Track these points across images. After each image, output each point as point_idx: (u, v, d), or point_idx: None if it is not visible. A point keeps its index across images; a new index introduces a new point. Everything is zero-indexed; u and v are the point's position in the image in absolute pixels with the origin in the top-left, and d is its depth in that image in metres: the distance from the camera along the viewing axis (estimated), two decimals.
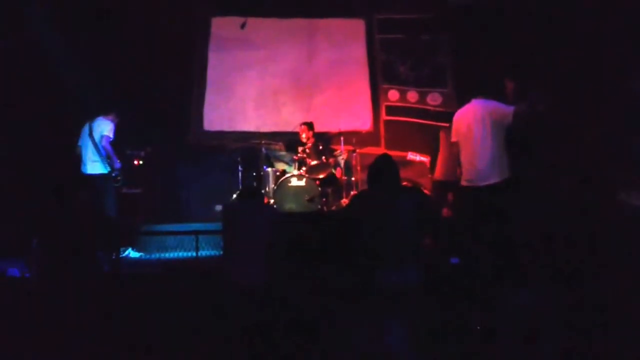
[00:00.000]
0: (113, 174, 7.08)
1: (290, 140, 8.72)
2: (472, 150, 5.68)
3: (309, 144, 8.24)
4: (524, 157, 5.75)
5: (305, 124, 8.68)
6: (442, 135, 7.59)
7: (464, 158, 5.81)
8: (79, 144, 7.25)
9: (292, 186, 7.82)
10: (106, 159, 7.04)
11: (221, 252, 5.83)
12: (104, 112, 7.29)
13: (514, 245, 4.86)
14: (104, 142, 7.04)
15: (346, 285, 4.05)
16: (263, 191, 8.05)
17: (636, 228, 5.49)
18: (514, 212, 5.21)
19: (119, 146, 7.22)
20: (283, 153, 8.54)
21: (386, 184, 4.15)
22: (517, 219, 5.16)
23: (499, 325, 4.07)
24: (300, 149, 8.27)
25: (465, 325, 4.16)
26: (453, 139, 6.00)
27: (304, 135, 8.60)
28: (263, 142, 8.67)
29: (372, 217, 4.00)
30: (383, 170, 4.19)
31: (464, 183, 5.81)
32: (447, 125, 9.53)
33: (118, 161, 7.13)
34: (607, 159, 6.77)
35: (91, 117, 7.26)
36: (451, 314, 4.21)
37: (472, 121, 5.71)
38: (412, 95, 9.99)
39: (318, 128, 8.91)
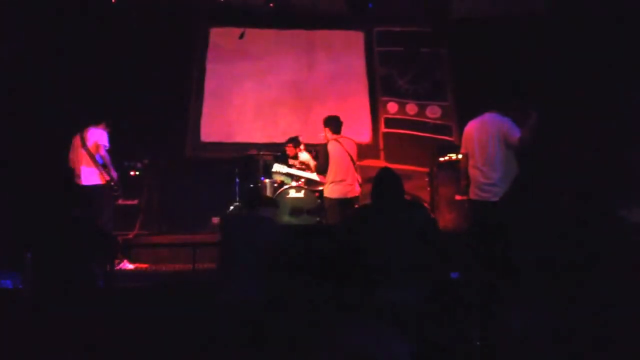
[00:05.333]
0: (112, 183, 7.00)
1: (278, 158, 8.65)
2: (483, 165, 5.61)
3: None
4: (524, 173, 5.70)
5: (290, 141, 8.51)
6: (342, 146, 7.00)
7: (473, 172, 5.73)
8: (70, 156, 7.14)
9: (290, 198, 7.75)
10: (103, 168, 6.94)
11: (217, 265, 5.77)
12: (94, 122, 7.16)
13: (515, 262, 4.80)
14: (101, 151, 6.93)
15: (346, 301, 4.00)
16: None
17: (637, 245, 5.45)
18: (516, 229, 5.16)
19: (115, 157, 7.14)
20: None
21: (390, 198, 4.10)
22: (519, 235, 5.11)
23: (499, 342, 4.01)
24: (297, 161, 8.20)
25: (465, 341, 4.09)
26: (462, 151, 5.94)
27: (290, 153, 8.52)
28: (261, 153, 8.62)
29: (374, 232, 3.95)
30: (386, 184, 4.13)
31: (473, 197, 5.75)
32: (447, 138, 9.67)
33: (114, 170, 7.05)
34: (607, 174, 6.75)
35: (80, 128, 7.14)
36: (451, 329, 4.14)
37: (485, 135, 5.61)
38: (411, 108, 9.98)
39: (316, 140, 8.88)
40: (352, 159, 6.91)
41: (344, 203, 6.88)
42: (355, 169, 6.99)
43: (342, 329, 3.52)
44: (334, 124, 7.02)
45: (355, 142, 7.16)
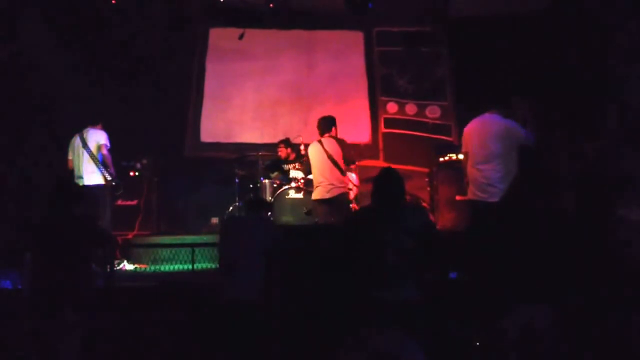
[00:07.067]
0: (114, 183, 7.00)
1: (272, 163, 8.67)
2: (482, 165, 5.58)
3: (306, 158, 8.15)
4: (524, 173, 5.69)
5: (281, 142, 8.61)
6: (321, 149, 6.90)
7: (472, 172, 5.70)
8: (69, 157, 7.12)
9: (289, 198, 7.75)
10: (105, 168, 6.95)
11: (217, 265, 5.77)
12: (91, 122, 7.17)
13: (515, 262, 4.80)
14: (104, 151, 6.94)
15: (344, 301, 4.00)
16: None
17: (637, 243, 5.44)
18: (516, 228, 5.16)
19: (114, 157, 7.13)
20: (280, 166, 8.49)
21: (390, 199, 4.08)
22: (518, 235, 5.11)
23: (498, 342, 4.01)
24: (297, 164, 8.19)
25: (464, 341, 4.09)
26: (463, 150, 5.92)
27: (282, 154, 8.58)
28: (260, 153, 8.61)
29: (374, 233, 3.94)
30: (388, 185, 4.12)
31: (472, 197, 5.72)
32: (447, 138, 9.67)
33: (114, 169, 7.05)
34: (606, 173, 6.74)
35: (78, 128, 7.14)
36: (449, 329, 4.14)
37: (485, 136, 5.58)
38: (411, 108, 9.98)
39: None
40: (331, 159, 6.74)
41: (325, 203, 6.78)
42: (338, 168, 6.75)
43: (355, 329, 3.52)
44: (320, 124, 6.96)
45: (338, 140, 6.89)
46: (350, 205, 7.22)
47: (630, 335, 3.91)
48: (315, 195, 6.85)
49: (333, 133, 6.90)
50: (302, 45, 10.19)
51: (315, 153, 6.86)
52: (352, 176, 7.44)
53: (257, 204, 5.17)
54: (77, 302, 4.19)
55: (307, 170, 7.14)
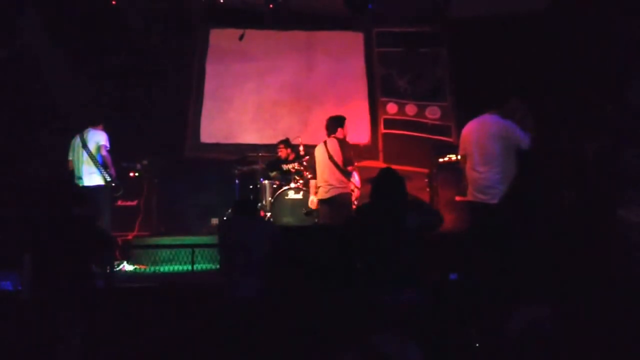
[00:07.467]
0: (113, 184, 6.99)
1: (271, 163, 8.66)
2: (482, 167, 5.56)
3: (307, 158, 8.15)
4: (524, 174, 5.67)
5: (281, 142, 8.63)
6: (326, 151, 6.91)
7: (472, 173, 5.68)
8: (70, 157, 7.11)
9: (289, 199, 7.75)
10: (104, 169, 6.94)
11: (217, 266, 5.76)
12: (92, 123, 7.15)
13: (514, 263, 4.80)
14: (104, 152, 6.93)
15: (344, 302, 4.00)
16: (260, 204, 7.98)
17: (636, 244, 5.44)
18: (516, 229, 5.16)
19: (114, 158, 7.13)
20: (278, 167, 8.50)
21: (389, 199, 4.07)
22: (519, 235, 5.11)
23: (498, 343, 4.00)
24: (296, 164, 8.18)
25: (464, 341, 4.09)
26: (461, 152, 5.89)
27: (282, 154, 8.59)
28: (260, 154, 8.61)
29: (373, 234, 3.93)
30: (386, 185, 4.10)
31: (471, 198, 5.70)
32: (446, 139, 9.67)
33: (114, 170, 7.04)
34: (606, 174, 6.74)
35: (79, 129, 7.13)
36: (450, 330, 4.14)
37: (484, 137, 5.55)
38: (411, 109, 9.98)
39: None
40: (332, 159, 6.73)
41: (325, 203, 6.77)
42: (339, 168, 6.72)
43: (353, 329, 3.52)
44: (326, 125, 6.95)
45: (339, 141, 6.85)
46: (352, 206, 7.20)
47: (630, 335, 3.92)
48: (318, 195, 6.86)
49: (339, 134, 6.88)
50: (302, 46, 10.20)
51: (319, 154, 6.88)
52: (355, 177, 7.43)
53: (243, 205, 5.14)
54: (77, 303, 4.19)
55: (312, 173, 7.11)
